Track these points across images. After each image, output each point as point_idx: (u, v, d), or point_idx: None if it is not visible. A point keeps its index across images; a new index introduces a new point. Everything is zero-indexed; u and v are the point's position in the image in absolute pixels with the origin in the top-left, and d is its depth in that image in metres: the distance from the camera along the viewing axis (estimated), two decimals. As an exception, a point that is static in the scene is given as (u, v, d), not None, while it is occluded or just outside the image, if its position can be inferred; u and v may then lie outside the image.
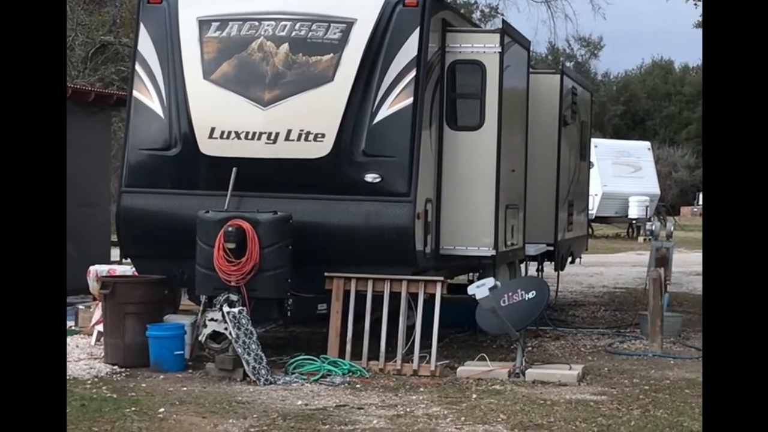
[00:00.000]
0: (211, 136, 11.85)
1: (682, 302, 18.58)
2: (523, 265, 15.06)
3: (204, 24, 12.05)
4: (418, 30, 11.68)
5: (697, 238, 41.81)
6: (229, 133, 11.80)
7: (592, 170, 23.21)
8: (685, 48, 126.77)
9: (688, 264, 27.74)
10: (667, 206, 54.13)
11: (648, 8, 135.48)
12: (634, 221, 41.84)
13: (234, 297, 10.96)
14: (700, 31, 19.30)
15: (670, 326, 13.90)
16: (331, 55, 11.71)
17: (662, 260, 15.14)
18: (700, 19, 19.46)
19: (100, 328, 12.15)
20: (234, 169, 11.68)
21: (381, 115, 11.60)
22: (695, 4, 19.43)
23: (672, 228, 17.07)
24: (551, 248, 15.59)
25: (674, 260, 16.17)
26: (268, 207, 11.38)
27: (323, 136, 11.60)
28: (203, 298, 11.34)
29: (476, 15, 36.52)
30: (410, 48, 11.64)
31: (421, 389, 10.43)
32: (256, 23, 11.95)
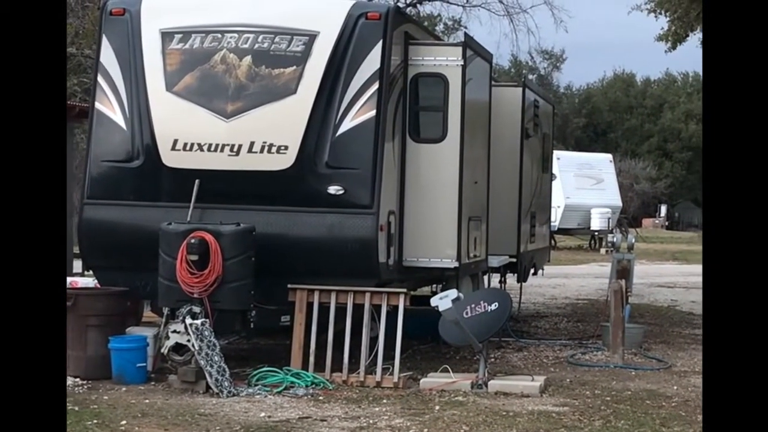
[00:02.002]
0: (173, 148, 11.83)
1: (643, 313, 18.71)
2: (485, 277, 15.10)
3: (167, 36, 12.04)
4: (380, 43, 11.72)
5: (659, 250, 42.14)
6: (192, 145, 11.79)
7: (554, 182, 23.33)
8: (647, 61, 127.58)
9: (649, 275, 27.94)
10: (628, 218, 54.47)
11: (609, 21, 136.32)
12: (596, 233, 42.08)
13: (197, 309, 10.95)
14: (661, 44, 19.46)
15: (632, 337, 13.97)
16: (294, 67, 11.73)
17: (623, 272, 15.21)
18: (661, 32, 19.57)
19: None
20: (197, 180, 11.67)
21: (344, 127, 11.63)
22: (656, 18, 19.55)
23: (633, 240, 17.13)
24: (514, 260, 15.65)
25: (635, 272, 16.26)
26: (231, 219, 11.37)
27: (286, 148, 11.62)
28: (166, 310, 11.31)
29: (439, 28, 36.58)
30: (373, 61, 11.68)
31: (384, 401, 10.44)
32: (219, 35, 11.95)
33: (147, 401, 10.20)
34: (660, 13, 19.25)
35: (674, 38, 19.04)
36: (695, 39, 19.19)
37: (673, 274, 30.13)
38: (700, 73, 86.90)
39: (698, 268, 33.26)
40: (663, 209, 71.18)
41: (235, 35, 11.92)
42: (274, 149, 11.63)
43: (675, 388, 11.53)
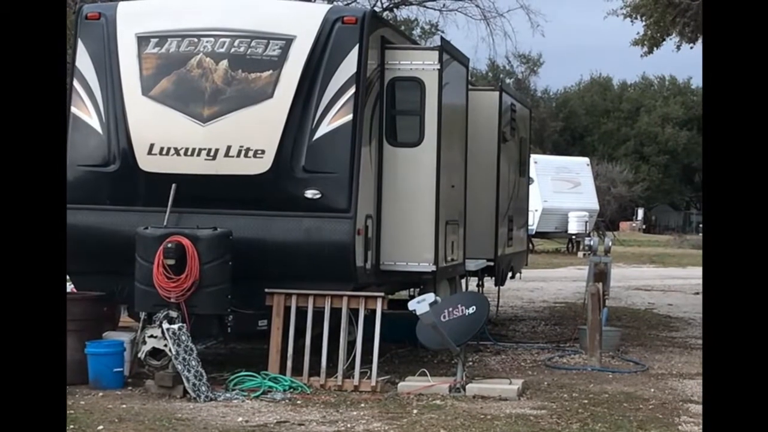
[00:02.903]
0: (150, 153, 11.81)
1: (620, 316, 18.77)
2: (463, 281, 15.11)
3: (143, 40, 12.01)
4: (357, 47, 11.72)
5: (636, 253, 42.25)
6: (169, 149, 11.77)
7: (532, 186, 23.37)
8: (623, 65, 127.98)
9: (626, 278, 28.01)
10: (606, 221, 54.60)
11: (586, 26, 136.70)
12: (573, 236, 42.14)
13: (174, 313, 10.93)
14: (637, 48, 19.51)
15: (609, 340, 14.01)
16: (271, 71, 11.73)
17: (601, 275, 15.23)
18: (637, 36, 19.63)
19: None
20: (173, 185, 11.65)
21: (321, 131, 11.62)
22: (632, 22, 19.60)
23: (610, 243, 17.17)
24: (491, 263, 15.66)
25: (613, 275, 16.29)
26: (208, 223, 11.35)
27: (263, 152, 11.61)
28: (143, 315, 11.30)
29: (416, 32, 36.59)
30: (349, 65, 11.68)
31: (362, 405, 10.43)
32: (195, 39, 11.93)
33: (124, 406, 10.17)
34: (636, 18, 19.31)
35: (650, 42, 19.10)
36: (671, 43, 19.27)
37: (650, 277, 30.23)
38: (676, 77, 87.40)
39: (675, 271, 33.51)
40: (640, 212, 71.42)
41: (212, 39, 11.90)
42: (250, 153, 11.62)
43: (652, 390, 11.56)
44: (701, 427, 9.71)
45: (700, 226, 76.58)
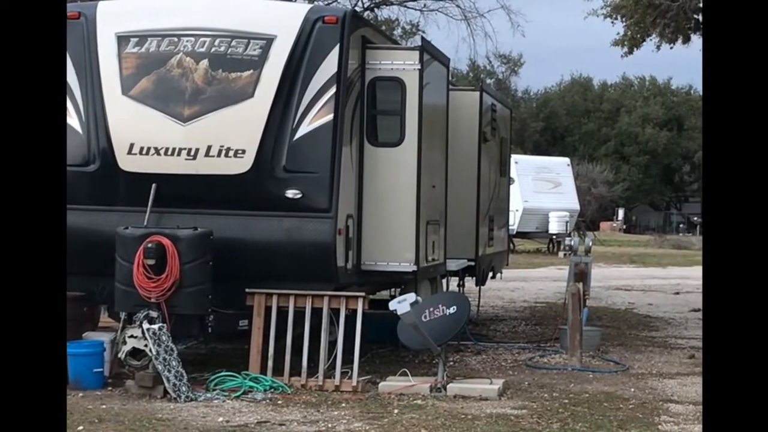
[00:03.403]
0: (130, 152, 11.78)
1: (601, 316, 18.81)
2: (444, 281, 15.12)
3: (123, 40, 11.98)
4: (337, 47, 11.71)
5: (616, 253, 42.34)
6: (149, 149, 11.74)
7: (512, 186, 23.40)
8: (604, 65, 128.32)
9: (606, 278, 28.07)
10: (586, 221, 54.72)
11: (566, 26, 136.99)
12: (554, 236, 42.23)
13: (154, 313, 10.90)
14: (617, 49, 19.54)
15: (589, 340, 14.04)
16: (251, 71, 11.71)
17: (581, 275, 15.26)
18: (618, 37, 19.66)
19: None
20: (154, 185, 11.62)
21: (301, 131, 11.61)
22: (612, 23, 19.63)
23: (590, 243, 17.21)
24: (472, 263, 15.67)
25: (593, 275, 16.32)
26: (189, 223, 11.33)
27: (244, 152, 11.59)
28: (123, 315, 11.26)
29: (397, 32, 36.57)
30: (330, 64, 11.67)
31: (343, 405, 10.43)
32: (176, 39, 11.91)
33: (104, 407, 10.14)
34: (616, 19, 19.33)
35: (630, 43, 19.13)
36: (651, 44, 19.29)
37: (630, 277, 30.31)
38: (657, 77, 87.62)
39: (655, 271, 33.60)
40: (620, 212, 71.59)
41: (192, 39, 11.88)
42: (231, 153, 11.60)
43: (632, 390, 11.59)
44: (681, 426, 9.76)
45: (681, 225, 76.97)
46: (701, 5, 18.26)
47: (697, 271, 33.80)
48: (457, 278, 15.98)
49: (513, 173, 27.33)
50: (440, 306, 11.43)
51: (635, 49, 19.10)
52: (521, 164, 40.67)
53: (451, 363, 12.77)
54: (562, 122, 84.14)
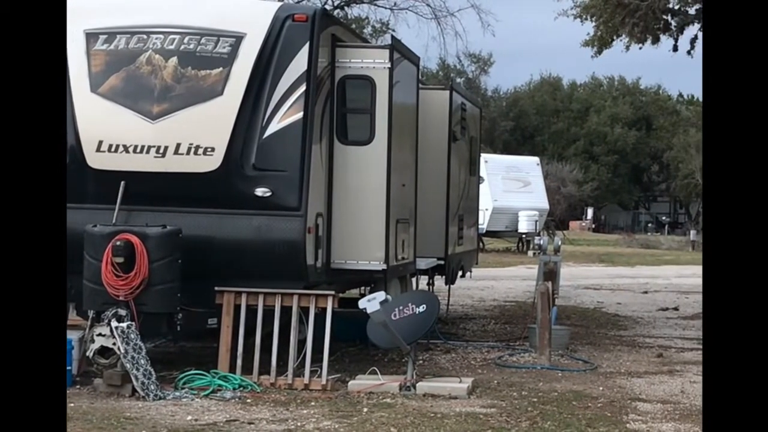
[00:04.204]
0: (98, 150, 11.72)
1: (570, 315, 18.86)
2: (413, 279, 15.12)
3: (91, 37, 11.92)
4: (307, 45, 11.70)
5: (585, 252, 42.50)
6: (117, 146, 11.69)
7: (482, 185, 23.43)
8: (573, 65, 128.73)
9: (575, 278, 28.17)
10: (555, 221, 54.89)
11: (536, 26, 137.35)
12: (523, 235, 42.36)
13: (122, 312, 10.85)
14: (587, 49, 19.59)
15: (558, 339, 14.06)
16: (221, 69, 11.68)
17: (550, 274, 15.31)
18: (587, 37, 19.70)
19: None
20: (122, 182, 11.57)
21: (271, 129, 11.59)
22: (582, 23, 19.66)
23: (559, 242, 17.26)
24: (442, 262, 15.68)
25: (562, 274, 16.39)
26: (158, 221, 11.28)
27: (213, 150, 11.56)
28: (91, 313, 11.20)
29: (367, 30, 36.56)
30: (300, 63, 11.66)
31: (312, 403, 10.41)
32: (145, 36, 11.86)
33: (72, 405, 10.08)
34: (586, 19, 19.37)
35: (600, 43, 19.16)
36: (620, 44, 19.34)
37: (599, 276, 30.43)
38: (626, 77, 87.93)
39: (623, 270, 33.74)
40: (589, 212, 71.89)
41: (161, 36, 11.84)
42: (200, 151, 11.56)
43: (601, 389, 11.62)
44: (649, 425, 9.79)
45: (650, 225, 77.35)
46: (670, 6, 18.36)
47: (665, 270, 34.01)
48: (426, 277, 15.99)
49: (483, 172, 27.38)
50: (410, 305, 11.43)
51: (604, 49, 19.15)
52: (491, 163, 40.77)
53: (421, 362, 12.77)
54: (532, 121, 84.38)
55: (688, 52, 19.08)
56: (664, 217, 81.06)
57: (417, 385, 11.04)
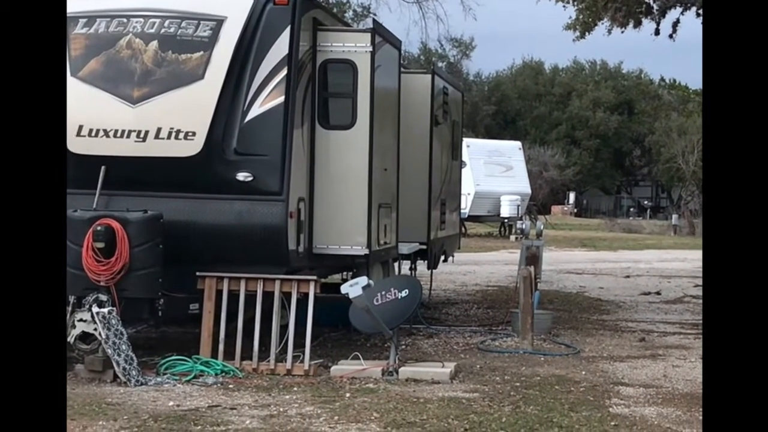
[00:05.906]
0: (78, 134, 11.65)
1: (552, 300, 18.87)
2: (396, 264, 15.11)
3: (71, 20, 11.83)
4: (288, 28, 11.64)
5: (567, 237, 42.54)
6: (98, 131, 11.63)
7: (464, 170, 23.40)
8: (555, 49, 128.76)
9: (558, 262, 28.20)
10: (538, 205, 54.93)
11: (518, 10, 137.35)
12: (506, 220, 42.36)
13: (103, 297, 10.80)
14: (569, 33, 19.56)
15: (541, 324, 14.08)
16: (201, 52, 11.62)
17: (532, 258, 15.31)
18: (569, 21, 19.67)
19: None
20: (103, 167, 11.51)
21: (252, 113, 11.54)
22: (564, 7, 19.63)
23: (542, 227, 17.26)
24: (424, 247, 15.67)
25: (544, 258, 16.37)
26: (138, 206, 11.24)
27: (194, 134, 11.50)
28: (72, 299, 11.13)
29: (349, 14, 36.52)
30: (281, 46, 11.61)
31: (295, 389, 10.39)
32: (125, 20, 11.79)
33: (52, 392, 10.03)
34: (568, 3, 19.34)
35: (582, 27, 19.13)
36: (602, 28, 19.32)
37: (581, 261, 30.46)
38: (608, 61, 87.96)
39: (606, 255, 33.77)
40: (571, 196, 71.92)
41: (141, 20, 11.77)
42: (181, 135, 11.51)
43: (583, 373, 11.63)
44: (632, 409, 9.80)
45: (632, 209, 77.48)
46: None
47: (647, 255, 34.08)
48: (409, 262, 15.97)
49: (465, 157, 27.35)
50: (392, 289, 11.41)
51: (587, 33, 19.13)
52: (473, 148, 40.74)
53: (403, 346, 12.77)
54: (514, 106, 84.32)
55: (670, 36, 19.08)
56: (645, 202, 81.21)
57: (399, 370, 11.03)
